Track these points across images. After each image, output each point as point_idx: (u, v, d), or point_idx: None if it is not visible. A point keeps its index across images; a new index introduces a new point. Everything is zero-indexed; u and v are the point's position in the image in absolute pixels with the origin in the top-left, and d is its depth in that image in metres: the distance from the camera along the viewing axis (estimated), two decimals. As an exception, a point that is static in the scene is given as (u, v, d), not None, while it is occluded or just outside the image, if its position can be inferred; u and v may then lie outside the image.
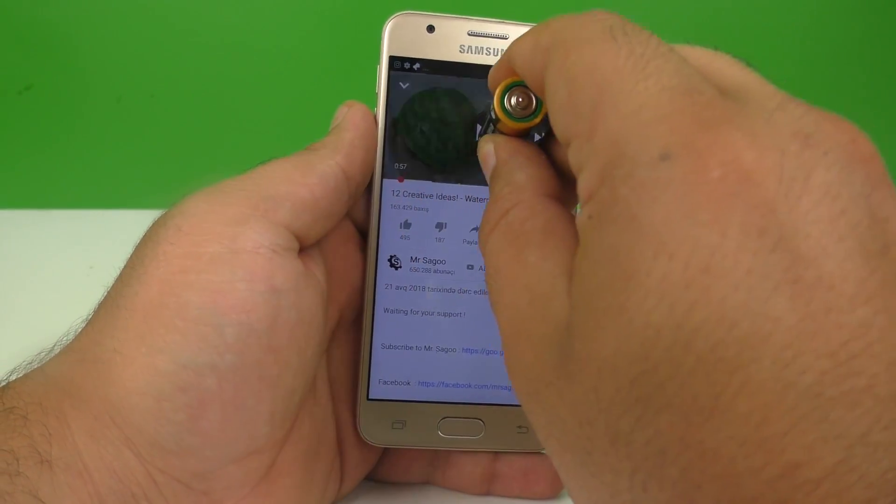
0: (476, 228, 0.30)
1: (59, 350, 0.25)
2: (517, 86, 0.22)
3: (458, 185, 0.30)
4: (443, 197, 0.30)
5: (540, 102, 0.22)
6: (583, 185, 0.17)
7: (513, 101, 0.22)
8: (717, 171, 0.15)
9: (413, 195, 0.30)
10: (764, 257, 0.14)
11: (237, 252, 0.25)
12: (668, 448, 0.15)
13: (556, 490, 0.31)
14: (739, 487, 0.14)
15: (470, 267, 0.30)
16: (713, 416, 0.14)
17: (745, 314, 0.14)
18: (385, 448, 0.31)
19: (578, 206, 0.18)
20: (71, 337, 0.25)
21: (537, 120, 0.22)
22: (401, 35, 0.29)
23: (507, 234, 0.20)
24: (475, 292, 0.30)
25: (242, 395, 0.25)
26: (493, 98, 0.22)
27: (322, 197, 0.27)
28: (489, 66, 0.29)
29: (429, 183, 0.30)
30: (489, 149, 0.23)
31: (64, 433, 0.23)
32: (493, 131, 0.23)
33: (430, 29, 0.29)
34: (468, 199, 0.30)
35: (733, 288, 0.14)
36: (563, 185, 0.22)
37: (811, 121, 0.16)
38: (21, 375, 0.25)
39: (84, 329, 0.25)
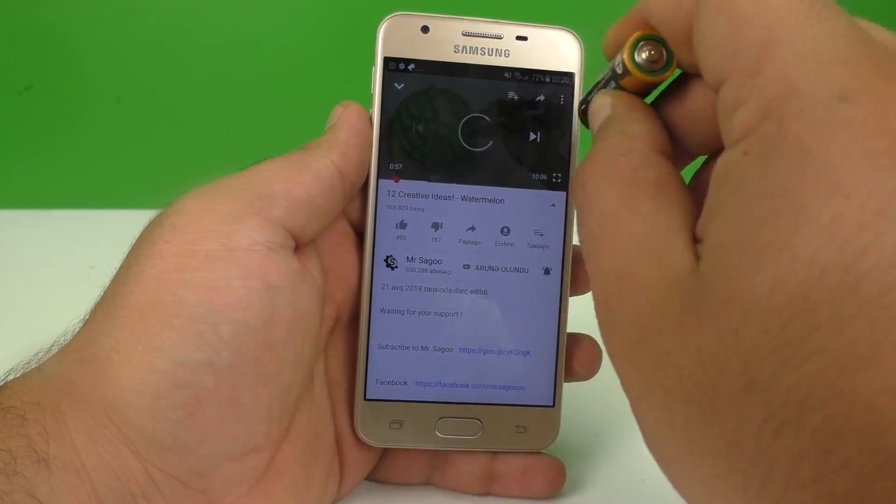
0: (472, 228, 0.30)
1: (56, 350, 0.25)
2: (648, 39, 0.21)
3: (454, 185, 0.30)
4: (438, 197, 0.30)
5: (671, 57, 0.21)
6: (739, 122, 0.17)
7: (644, 54, 0.21)
8: None
9: (409, 195, 0.30)
10: None
11: (232, 249, 0.25)
12: (813, 395, 0.15)
13: (554, 489, 0.31)
14: (885, 440, 0.14)
15: (466, 266, 0.30)
16: (870, 364, 0.14)
17: None
18: (384, 448, 0.31)
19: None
20: (68, 337, 0.26)
21: (668, 74, 0.22)
22: (395, 36, 0.29)
23: (617, 180, 0.20)
24: (472, 292, 0.30)
25: (239, 393, 0.25)
26: (621, 52, 0.22)
27: (317, 195, 0.27)
28: (484, 67, 0.29)
29: (424, 183, 0.30)
30: (605, 101, 0.23)
31: (61, 432, 0.23)
32: (614, 87, 0.23)
33: (425, 30, 0.29)
34: (464, 198, 0.30)
35: None
36: (676, 149, 0.22)
37: None
38: (19, 375, 0.25)
39: (81, 328, 0.25)
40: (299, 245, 0.27)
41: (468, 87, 0.30)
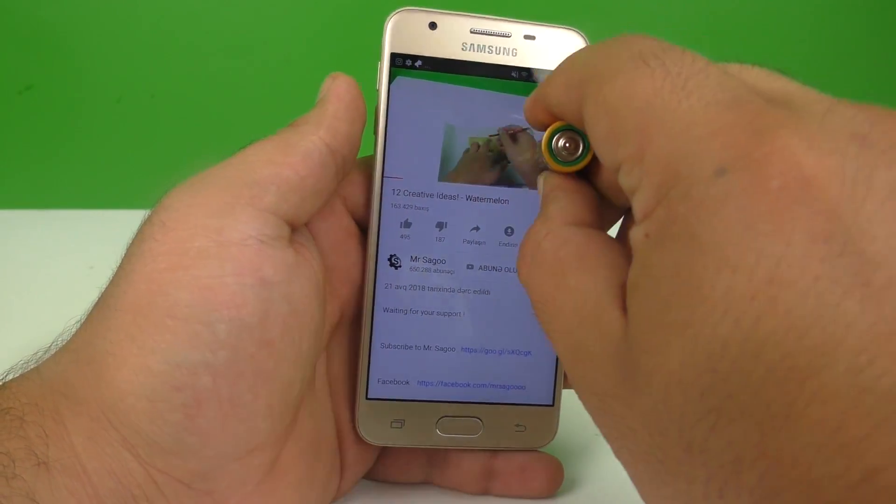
0: (477, 228, 0.30)
1: (55, 350, 0.25)
2: (564, 130, 0.22)
3: (459, 184, 0.30)
4: (443, 196, 0.29)
5: (587, 145, 0.22)
6: (638, 206, 0.18)
7: (559, 143, 0.22)
8: (777, 180, 0.15)
9: (413, 194, 0.29)
10: (831, 262, 0.14)
11: (224, 245, 0.24)
12: (743, 455, 0.15)
13: (553, 487, 0.31)
14: (820, 492, 0.14)
15: (470, 266, 0.30)
16: (788, 423, 0.14)
17: (815, 322, 0.14)
18: (383, 447, 0.31)
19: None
20: (67, 337, 0.25)
21: (584, 163, 0.23)
22: (402, 32, 0.29)
23: (543, 265, 0.21)
24: (475, 292, 0.30)
25: (239, 392, 0.24)
26: (540, 143, 0.23)
27: (308, 175, 0.26)
28: (492, 65, 0.29)
29: (430, 182, 0.29)
30: (540, 184, 0.24)
31: (61, 435, 0.23)
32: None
33: (433, 26, 0.29)
34: (469, 198, 0.30)
35: (801, 296, 0.14)
36: (600, 210, 0.22)
37: (864, 120, 0.16)
38: (17, 376, 0.25)
39: (78, 330, 0.25)
40: (295, 228, 0.27)
41: (475, 85, 0.29)
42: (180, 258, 0.24)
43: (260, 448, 0.26)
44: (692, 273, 0.16)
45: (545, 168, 0.24)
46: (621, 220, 0.24)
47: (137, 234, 0.25)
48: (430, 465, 0.31)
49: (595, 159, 0.22)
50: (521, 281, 0.22)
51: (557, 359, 0.31)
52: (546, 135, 0.23)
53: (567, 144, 0.22)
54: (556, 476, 0.31)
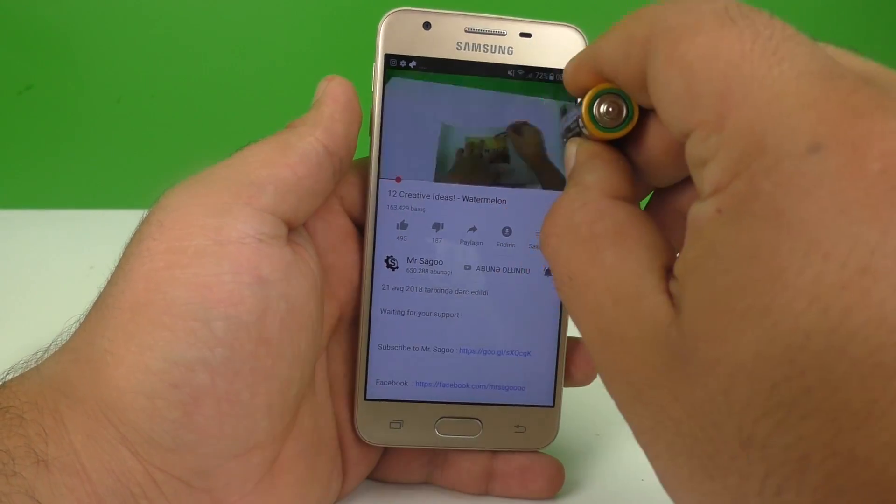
0: (474, 228, 0.30)
1: (54, 350, 0.25)
2: (607, 93, 0.21)
3: (456, 185, 0.30)
4: (440, 197, 0.30)
5: (631, 111, 0.21)
6: (710, 178, 0.16)
7: (601, 108, 0.21)
8: (877, 163, 0.14)
9: (410, 195, 0.29)
10: None
11: (222, 244, 0.24)
12: (811, 453, 0.14)
13: (554, 489, 0.31)
14: (891, 493, 0.14)
15: (467, 267, 0.30)
16: (867, 422, 0.14)
17: None
18: (385, 447, 0.31)
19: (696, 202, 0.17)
20: (66, 337, 0.25)
21: (627, 129, 0.21)
22: (396, 32, 0.29)
23: (576, 238, 0.19)
24: (472, 293, 0.30)
25: (236, 389, 0.24)
26: (579, 105, 0.21)
27: (305, 176, 0.26)
28: (487, 64, 0.29)
29: (426, 183, 0.29)
30: (570, 151, 0.22)
31: (60, 433, 0.23)
32: (580, 135, 0.23)
33: (427, 26, 0.29)
34: (465, 199, 0.30)
35: (895, 290, 0.14)
36: (637, 186, 0.21)
37: None
38: (17, 375, 0.25)
39: (77, 329, 0.25)
40: (292, 228, 0.27)
41: (471, 84, 0.29)
42: (178, 257, 0.24)
43: (259, 446, 0.26)
44: (776, 255, 0.15)
45: (577, 137, 0.22)
46: (649, 197, 0.23)
47: (135, 233, 0.25)
48: (431, 465, 0.31)
49: (635, 129, 0.21)
50: (545, 253, 0.20)
51: (558, 359, 0.30)
52: (588, 97, 0.21)
53: (610, 109, 0.21)
54: (557, 477, 0.31)
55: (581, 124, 0.21)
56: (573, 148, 0.22)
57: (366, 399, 0.30)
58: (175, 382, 0.23)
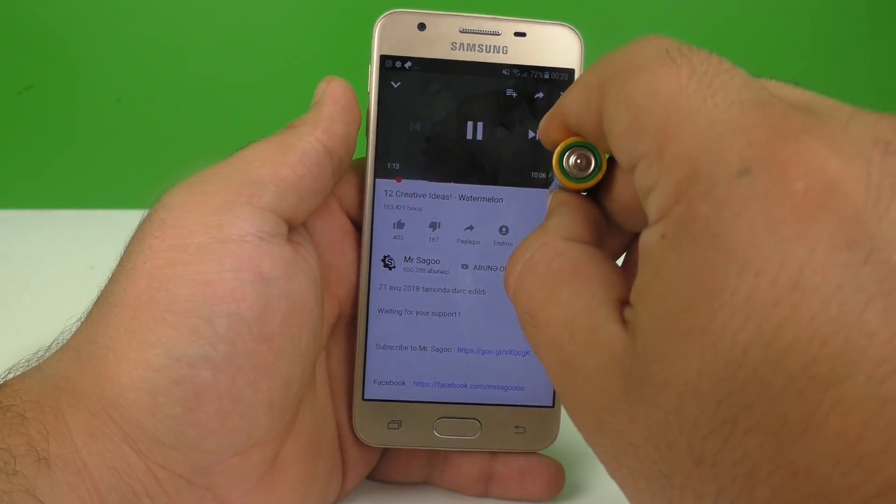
0: (471, 227, 0.30)
1: (56, 348, 0.25)
2: (575, 146, 0.22)
3: (452, 184, 0.30)
4: (436, 196, 0.30)
5: (599, 162, 0.22)
6: (654, 205, 0.17)
7: (570, 161, 0.22)
8: (802, 182, 0.15)
9: (406, 195, 0.29)
10: (855, 271, 0.14)
11: (223, 242, 0.25)
12: (757, 468, 0.15)
13: (553, 491, 0.31)
14: None
15: (464, 266, 0.30)
16: (805, 434, 0.14)
17: (838, 330, 0.14)
18: (384, 447, 0.31)
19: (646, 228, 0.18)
20: (67, 336, 0.26)
21: (595, 180, 0.22)
22: (391, 33, 0.29)
23: (534, 277, 0.20)
24: (470, 292, 0.30)
25: (238, 386, 0.25)
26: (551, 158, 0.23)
27: (305, 174, 0.27)
28: (482, 64, 0.29)
29: (422, 182, 0.29)
30: (548, 202, 0.23)
31: (62, 431, 0.23)
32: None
33: (422, 27, 0.29)
34: (462, 198, 0.30)
35: (824, 304, 0.14)
36: (602, 230, 0.22)
37: (887, 127, 0.16)
38: (18, 374, 0.25)
39: (79, 327, 0.25)
40: (292, 227, 0.27)
41: (466, 84, 0.29)
42: (180, 254, 0.24)
43: (260, 444, 0.26)
44: (713, 275, 0.15)
45: (555, 188, 0.24)
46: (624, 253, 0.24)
47: (137, 231, 0.26)
48: (430, 466, 0.31)
49: (605, 179, 0.22)
50: (507, 292, 0.22)
51: None
52: (557, 151, 0.22)
53: (578, 161, 0.22)
54: (557, 479, 0.31)
55: (552, 176, 0.22)
56: (549, 198, 0.23)
57: (364, 399, 0.30)
58: (177, 379, 0.23)
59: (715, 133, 0.16)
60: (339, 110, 0.28)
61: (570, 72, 0.30)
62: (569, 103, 0.21)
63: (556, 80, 0.30)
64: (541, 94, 0.30)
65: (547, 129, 0.23)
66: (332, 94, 0.28)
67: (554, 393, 0.31)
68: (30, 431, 0.22)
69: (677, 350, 0.16)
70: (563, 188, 0.23)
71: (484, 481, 0.31)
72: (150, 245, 0.25)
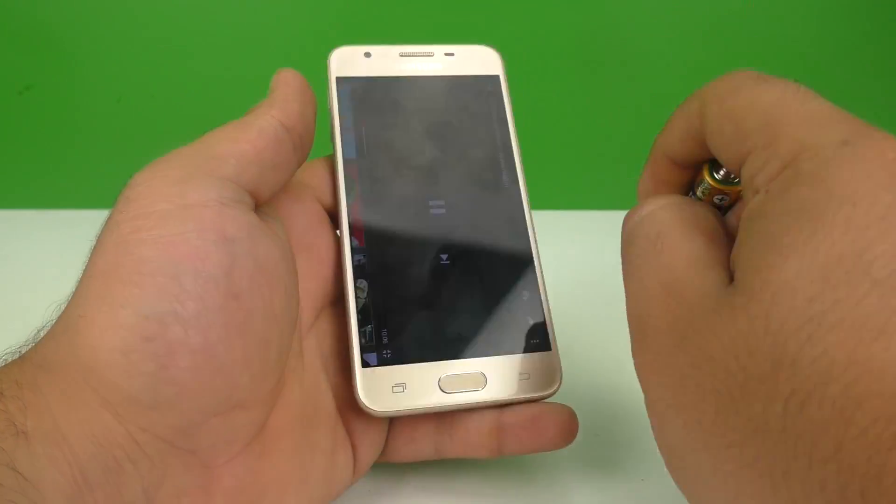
0: (441, 203, 0.33)
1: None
2: (715, 161, 0.25)
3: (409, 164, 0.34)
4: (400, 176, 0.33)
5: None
6: (761, 179, 0.21)
7: (720, 173, 0.26)
8: (893, 153, 0.19)
9: (374, 179, 0.33)
10: None
11: (185, 207, 0.25)
12: (833, 364, 0.17)
13: (568, 436, 0.30)
14: None
15: (443, 233, 0.32)
16: (882, 335, 0.16)
17: None
18: (390, 422, 0.31)
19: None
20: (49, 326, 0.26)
21: (740, 186, 0.25)
22: (343, 61, 0.35)
23: (682, 216, 0.24)
24: (448, 257, 0.32)
25: (211, 342, 0.25)
26: (701, 181, 0.26)
27: (265, 149, 0.28)
28: (422, 77, 0.35)
29: (388, 167, 0.33)
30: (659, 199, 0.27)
31: (39, 404, 0.23)
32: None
33: (367, 55, 0.35)
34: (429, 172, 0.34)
35: None
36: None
37: None
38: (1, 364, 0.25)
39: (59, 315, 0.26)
40: (258, 201, 0.28)
41: (409, 90, 0.35)
42: (143, 222, 0.25)
43: (241, 406, 0.26)
44: (817, 205, 0.18)
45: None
46: None
47: (107, 216, 0.26)
48: (438, 433, 0.31)
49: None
50: (640, 211, 0.25)
51: (542, 303, 0.32)
52: (705, 169, 0.26)
53: (725, 171, 0.25)
54: (570, 424, 0.30)
55: (704, 189, 0.26)
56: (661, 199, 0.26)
57: (364, 367, 0.30)
58: (148, 336, 0.24)
59: (816, 121, 0.20)
60: (292, 91, 0.30)
61: (496, 77, 0.36)
62: (671, 137, 0.25)
63: (484, 83, 0.36)
64: (473, 95, 0.35)
65: (652, 171, 0.27)
66: (283, 79, 0.31)
67: (548, 336, 0.31)
68: (9, 408, 0.22)
69: (778, 257, 0.19)
70: (719, 201, 0.26)
71: (496, 437, 0.30)
72: (115, 220, 0.25)
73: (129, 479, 0.23)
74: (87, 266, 0.25)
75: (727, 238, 0.23)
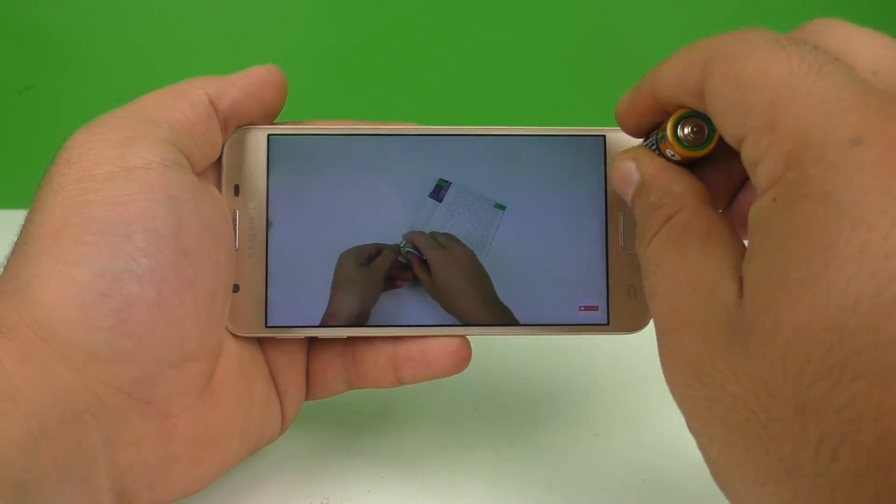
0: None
1: None
2: (689, 116, 0.23)
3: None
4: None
5: (712, 133, 0.23)
6: (763, 173, 0.19)
7: (686, 130, 0.23)
8: None
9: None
10: None
11: (129, 170, 0.26)
12: (863, 414, 0.15)
13: (458, 364, 0.31)
14: None
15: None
16: None
17: None
18: (307, 364, 0.32)
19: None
20: None
21: (710, 148, 0.24)
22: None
23: (671, 236, 0.22)
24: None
25: (165, 296, 0.25)
26: (661, 129, 0.24)
27: (196, 122, 0.28)
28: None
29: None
30: (629, 166, 0.25)
31: None
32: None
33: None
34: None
35: None
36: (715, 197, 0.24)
37: None
38: None
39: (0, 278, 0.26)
40: (194, 170, 0.28)
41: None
42: (89, 184, 0.25)
43: (193, 357, 0.27)
44: (825, 229, 0.16)
45: (629, 150, 0.25)
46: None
47: (43, 176, 0.27)
48: (346, 370, 0.32)
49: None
50: (637, 251, 0.24)
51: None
52: (671, 120, 0.23)
53: (694, 129, 0.23)
54: (459, 351, 0.30)
55: (664, 145, 0.24)
56: (629, 162, 0.25)
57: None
58: (105, 292, 0.24)
59: (826, 109, 0.18)
60: (245, 80, 0.31)
61: None
62: (663, 76, 0.23)
63: None
64: None
65: (633, 96, 0.25)
66: (252, 69, 0.31)
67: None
68: None
69: (788, 297, 0.17)
70: (671, 156, 0.24)
71: (393, 369, 0.31)
72: (58, 182, 0.26)
73: (88, 429, 0.24)
74: (28, 226, 0.26)
75: (731, 235, 0.22)
